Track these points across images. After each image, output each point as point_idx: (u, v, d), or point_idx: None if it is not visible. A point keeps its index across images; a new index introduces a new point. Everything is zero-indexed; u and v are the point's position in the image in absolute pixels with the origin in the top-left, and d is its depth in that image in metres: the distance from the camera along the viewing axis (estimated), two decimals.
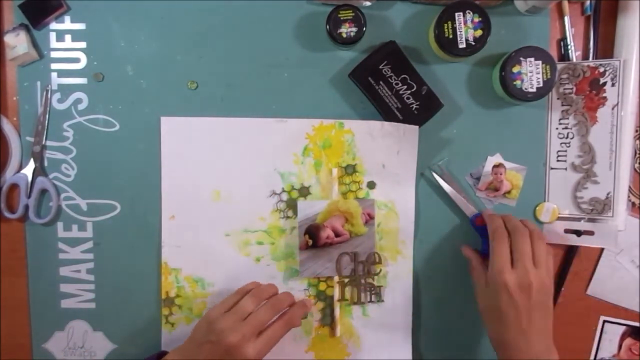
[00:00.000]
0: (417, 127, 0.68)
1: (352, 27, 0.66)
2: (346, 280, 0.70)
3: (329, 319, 0.71)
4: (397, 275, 0.71)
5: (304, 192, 0.70)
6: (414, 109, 0.67)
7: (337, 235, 0.70)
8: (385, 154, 0.69)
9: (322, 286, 0.71)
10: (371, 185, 0.71)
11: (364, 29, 0.66)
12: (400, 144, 0.69)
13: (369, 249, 0.70)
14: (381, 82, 0.67)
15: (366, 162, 0.70)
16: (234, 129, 0.70)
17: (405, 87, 0.67)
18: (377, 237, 0.70)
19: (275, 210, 0.71)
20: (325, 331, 0.72)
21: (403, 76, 0.67)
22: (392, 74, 0.67)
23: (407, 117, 0.68)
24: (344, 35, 0.66)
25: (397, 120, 0.68)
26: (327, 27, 0.66)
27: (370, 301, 0.71)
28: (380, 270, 0.71)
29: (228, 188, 0.70)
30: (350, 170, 0.70)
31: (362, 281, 0.70)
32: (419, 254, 0.71)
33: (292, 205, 0.70)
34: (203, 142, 0.70)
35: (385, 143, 0.69)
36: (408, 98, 0.67)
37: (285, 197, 0.71)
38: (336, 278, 0.70)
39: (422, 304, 0.72)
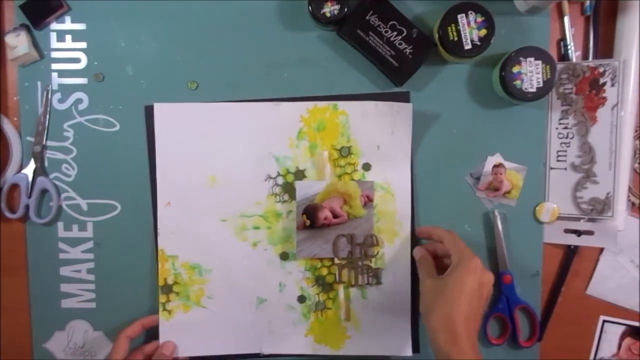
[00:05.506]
0: (410, 104, 0.68)
1: (335, 4, 0.65)
2: (343, 262, 0.70)
3: (325, 304, 0.71)
4: (395, 258, 0.71)
5: (300, 175, 0.70)
6: (407, 53, 0.66)
7: (335, 216, 0.69)
8: (380, 134, 0.69)
9: (323, 271, 0.70)
10: (366, 167, 0.70)
11: (347, 8, 0.65)
12: (394, 123, 0.68)
13: (366, 231, 0.70)
14: (371, 33, 0.66)
15: (361, 143, 0.70)
16: (228, 113, 0.69)
17: (395, 33, 0.66)
18: (375, 219, 0.70)
19: (271, 194, 0.70)
20: (324, 315, 0.71)
21: (392, 23, 0.66)
22: (380, 23, 0.66)
23: (403, 62, 0.67)
24: (328, 15, 0.65)
25: (393, 68, 0.67)
26: (310, 8, 0.65)
27: (368, 284, 0.70)
28: (378, 252, 0.70)
29: (223, 173, 0.70)
30: (345, 152, 0.70)
31: (360, 263, 0.70)
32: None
33: (288, 189, 0.70)
34: (197, 128, 0.69)
35: (380, 123, 0.69)
36: (400, 43, 0.66)
37: (280, 181, 0.70)
38: (336, 261, 0.70)
39: None
